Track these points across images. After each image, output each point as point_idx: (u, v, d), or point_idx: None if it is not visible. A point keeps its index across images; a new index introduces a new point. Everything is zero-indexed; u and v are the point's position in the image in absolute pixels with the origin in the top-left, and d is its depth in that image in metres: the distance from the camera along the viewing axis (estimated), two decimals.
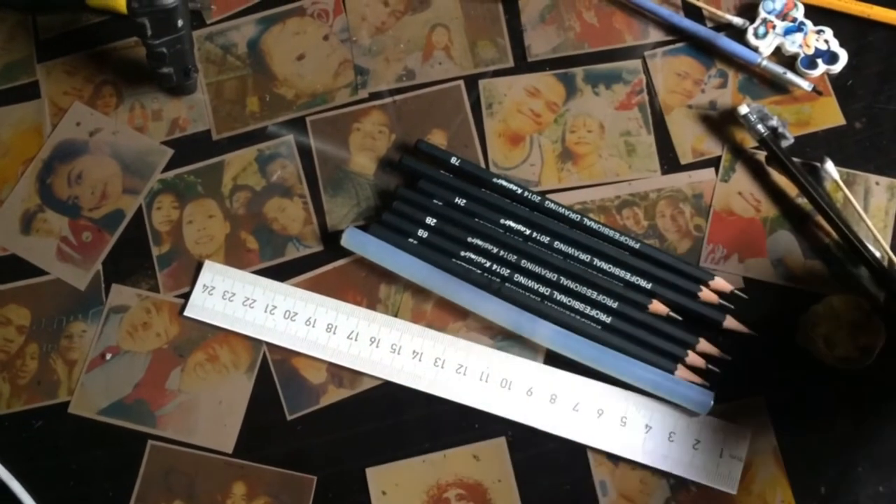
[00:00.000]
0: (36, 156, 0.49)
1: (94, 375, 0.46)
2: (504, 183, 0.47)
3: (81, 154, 0.49)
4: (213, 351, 0.46)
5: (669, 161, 0.48)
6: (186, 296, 0.47)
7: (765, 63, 0.48)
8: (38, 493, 0.44)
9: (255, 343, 0.46)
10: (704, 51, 0.50)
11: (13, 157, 0.50)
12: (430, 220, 0.46)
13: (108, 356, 0.46)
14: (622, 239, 0.45)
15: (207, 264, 0.47)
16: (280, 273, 0.47)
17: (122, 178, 0.49)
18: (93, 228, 0.48)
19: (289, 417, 0.45)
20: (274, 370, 0.45)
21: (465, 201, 0.46)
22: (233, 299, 0.46)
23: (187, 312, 0.46)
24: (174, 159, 0.49)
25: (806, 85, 0.47)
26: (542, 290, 0.45)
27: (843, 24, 0.49)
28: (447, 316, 0.46)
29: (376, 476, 0.44)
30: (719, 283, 0.45)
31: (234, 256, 0.47)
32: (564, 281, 0.45)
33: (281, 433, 0.45)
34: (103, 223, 0.48)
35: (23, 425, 0.45)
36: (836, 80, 0.49)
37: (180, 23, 0.45)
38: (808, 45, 0.48)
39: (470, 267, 0.46)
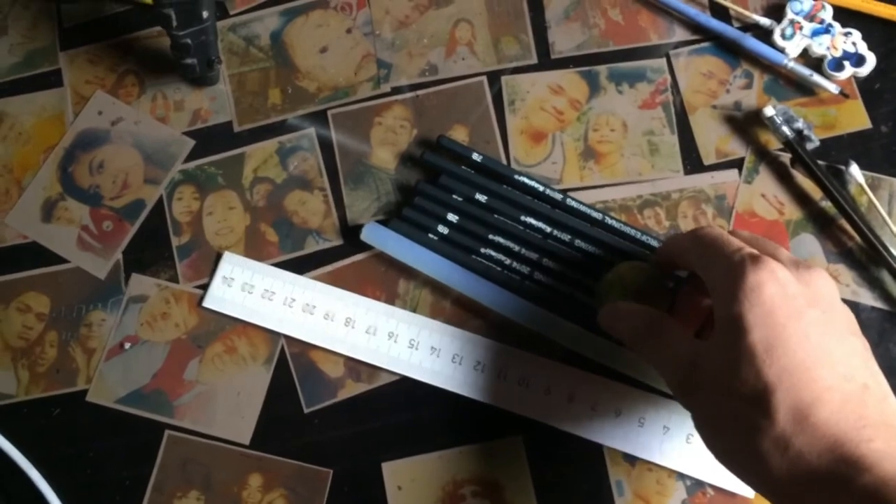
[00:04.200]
0: (58, 144, 0.50)
1: (112, 364, 0.46)
2: (526, 180, 0.46)
3: (103, 143, 0.50)
4: (232, 342, 0.46)
5: (692, 161, 0.48)
6: (205, 287, 0.47)
7: (791, 64, 0.48)
8: (56, 481, 0.44)
9: (274, 335, 0.46)
10: (730, 51, 0.49)
11: (35, 144, 0.50)
12: (450, 217, 0.46)
13: (127, 345, 0.46)
14: (644, 238, 0.45)
15: (227, 256, 0.47)
16: (299, 266, 0.47)
17: (144, 168, 0.49)
18: (113, 218, 0.48)
19: (306, 410, 0.45)
20: (292, 363, 0.46)
21: (486, 198, 0.46)
22: (252, 291, 0.46)
23: (206, 303, 0.46)
24: (195, 150, 0.49)
25: (832, 87, 0.47)
26: (563, 288, 0.45)
27: (871, 26, 0.49)
28: (466, 312, 0.46)
29: (392, 471, 0.44)
30: None
31: (254, 248, 0.47)
32: (585, 280, 0.45)
33: (298, 426, 0.45)
34: (124, 213, 0.48)
35: (41, 412, 0.46)
36: (863, 84, 0.48)
37: (205, 14, 0.44)
38: (835, 48, 0.48)
39: (490, 264, 0.45)
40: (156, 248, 0.48)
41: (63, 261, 0.48)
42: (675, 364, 0.36)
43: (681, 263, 0.40)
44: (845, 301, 0.44)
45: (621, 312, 0.40)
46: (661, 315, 0.38)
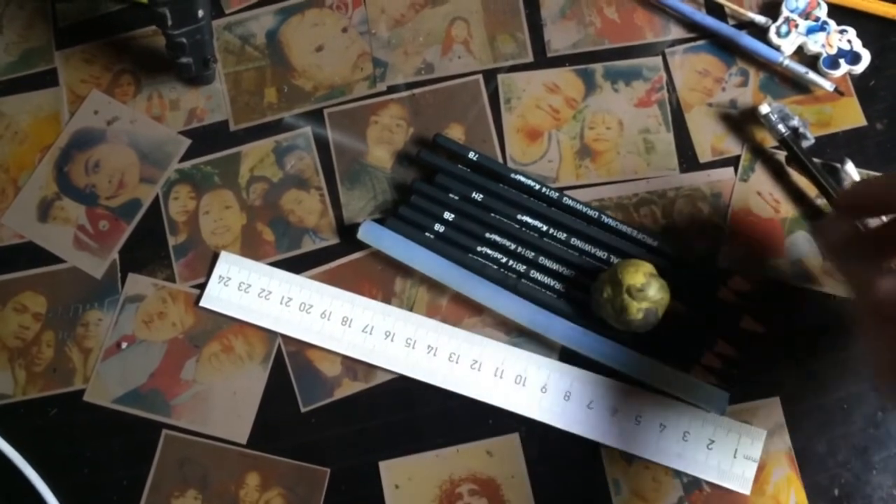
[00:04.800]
0: (53, 143, 0.49)
1: (109, 364, 0.46)
2: (522, 179, 0.46)
3: (99, 142, 0.49)
4: (228, 342, 0.46)
5: (688, 159, 0.48)
6: (202, 286, 0.47)
7: (786, 62, 0.48)
8: (53, 481, 0.44)
9: (270, 335, 0.46)
10: (726, 49, 0.49)
11: (31, 144, 0.50)
12: (447, 215, 0.46)
13: (124, 345, 0.46)
14: (640, 237, 0.45)
15: (223, 255, 0.47)
16: (296, 265, 0.47)
17: (140, 168, 0.49)
18: (110, 217, 0.48)
19: (303, 409, 0.45)
20: (288, 362, 0.46)
21: (482, 196, 0.46)
22: (248, 290, 0.46)
23: (203, 303, 0.46)
24: (191, 149, 0.49)
25: (828, 85, 0.47)
26: (559, 286, 0.45)
27: (866, 24, 0.49)
28: (462, 311, 0.46)
29: (389, 469, 0.44)
30: (737, 282, 0.44)
31: (250, 248, 0.47)
32: (581, 278, 0.45)
33: (295, 425, 0.45)
34: (120, 212, 0.48)
35: (38, 412, 0.46)
36: (859, 81, 0.48)
37: (201, 13, 0.44)
38: (830, 45, 0.48)
39: (486, 262, 0.45)
40: (152, 247, 0.48)
41: (59, 260, 0.48)
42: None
43: (879, 210, 0.38)
44: (840, 298, 0.45)
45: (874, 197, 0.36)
46: None
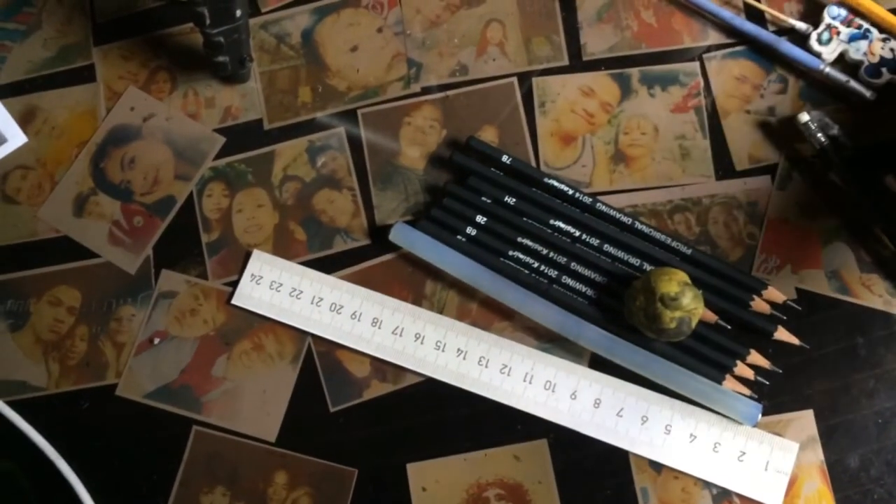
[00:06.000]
0: (90, 139, 0.50)
1: (141, 359, 0.46)
2: (555, 183, 0.46)
3: (135, 139, 0.50)
4: (259, 340, 0.46)
5: (724, 167, 0.47)
6: (234, 284, 0.47)
7: (827, 70, 0.47)
8: (84, 473, 0.44)
9: (301, 334, 0.46)
10: (765, 55, 0.49)
11: (68, 139, 0.50)
12: (479, 218, 0.46)
13: (156, 341, 0.47)
14: (673, 244, 0.45)
15: (256, 254, 0.47)
16: (327, 265, 0.47)
17: (174, 164, 0.49)
18: (144, 213, 0.49)
19: (332, 409, 0.45)
20: (318, 362, 0.46)
21: (514, 200, 0.46)
22: (280, 290, 0.46)
23: (235, 301, 0.46)
24: (226, 147, 0.49)
25: (869, 94, 0.46)
26: (590, 292, 0.45)
27: None
28: (493, 315, 0.46)
29: (417, 472, 0.44)
30: (772, 292, 0.44)
31: (282, 246, 0.48)
32: (613, 285, 0.44)
33: (323, 425, 0.45)
34: (155, 208, 0.49)
35: (71, 405, 0.46)
36: None
37: (238, 12, 0.45)
38: (873, 54, 0.47)
39: (518, 267, 0.45)
40: (185, 244, 0.48)
41: (94, 255, 0.48)
42: None
43: None
44: (877, 311, 0.44)
45: None
46: None
